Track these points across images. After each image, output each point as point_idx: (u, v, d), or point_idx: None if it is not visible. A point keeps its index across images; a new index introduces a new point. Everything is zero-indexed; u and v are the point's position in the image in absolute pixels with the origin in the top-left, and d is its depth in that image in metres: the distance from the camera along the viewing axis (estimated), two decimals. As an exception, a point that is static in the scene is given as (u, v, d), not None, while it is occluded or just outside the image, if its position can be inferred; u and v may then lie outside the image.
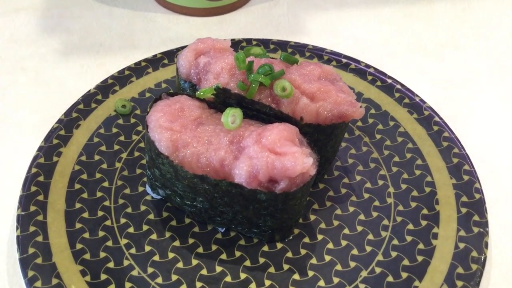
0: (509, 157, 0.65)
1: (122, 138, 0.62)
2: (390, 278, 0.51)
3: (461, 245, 0.52)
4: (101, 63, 0.77)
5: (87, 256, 0.52)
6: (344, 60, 0.70)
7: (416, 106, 0.65)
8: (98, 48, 0.80)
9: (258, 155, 0.47)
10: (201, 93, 0.53)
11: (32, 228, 0.53)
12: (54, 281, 0.49)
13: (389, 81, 0.67)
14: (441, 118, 0.63)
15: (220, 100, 0.52)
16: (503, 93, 0.74)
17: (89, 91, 0.66)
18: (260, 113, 0.52)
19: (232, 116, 0.49)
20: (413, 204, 0.57)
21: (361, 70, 0.69)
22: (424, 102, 0.65)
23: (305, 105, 0.52)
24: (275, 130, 0.48)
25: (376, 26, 0.85)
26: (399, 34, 0.84)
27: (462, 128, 0.66)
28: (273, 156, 0.46)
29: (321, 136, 0.53)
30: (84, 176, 0.58)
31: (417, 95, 0.66)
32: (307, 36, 0.82)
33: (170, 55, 0.70)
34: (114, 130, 0.63)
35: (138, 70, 0.68)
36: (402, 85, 0.67)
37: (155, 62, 0.70)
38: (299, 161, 0.46)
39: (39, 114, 0.70)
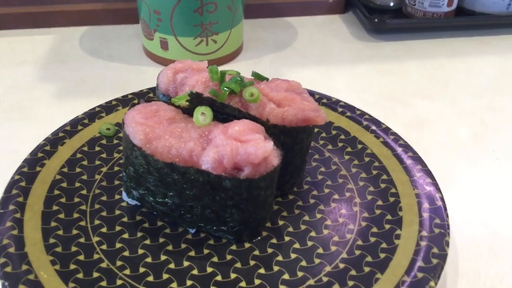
0: (468, 180, 0.69)
1: (104, 155, 0.66)
2: (353, 272, 0.52)
3: (423, 243, 0.54)
4: (93, 105, 0.83)
5: (59, 249, 0.54)
6: (317, 96, 0.75)
7: (382, 131, 0.69)
8: (91, 93, 0.86)
9: (224, 143, 0.50)
10: (176, 100, 0.57)
11: (8, 223, 0.55)
12: (24, 267, 0.50)
13: (358, 112, 0.72)
14: (405, 141, 0.67)
15: (194, 106, 0.57)
16: (464, 133, 0.79)
17: (77, 116, 0.70)
18: (229, 116, 0.56)
19: (202, 112, 0.53)
20: (378, 212, 0.59)
21: (332, 104, 0.74)
22: (390, 129, 0.69)
23: (272, 109, 0.56)
24: (241, 123, 0.52)
25: (351, 80, 0.91)
26: (372, 86, 0.90)
27: (428, 158, 0.70)
28: (237, 143, 0.50)
29: (287, 138, 0.56)
30: (64, 184, 0.61)
31: (383, 124, 0.70)
32: (286, 85, 0.88)
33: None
34: (97, 148, 0.67)
35: (124, 101, 0.74)
36: (369, 115, 0.71)
37: (141, 95, 0.75)
38: (260, 145, 0.49)
39: (31, 144, 0.74)
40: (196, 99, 0.56)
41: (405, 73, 0.94)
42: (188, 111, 0.57)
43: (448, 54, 1.00)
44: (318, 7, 1.12)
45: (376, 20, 1.02)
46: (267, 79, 0.62)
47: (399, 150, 0.66)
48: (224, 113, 0.56)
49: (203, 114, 0.54)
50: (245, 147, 0.49)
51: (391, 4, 1.08)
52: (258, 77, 0.61)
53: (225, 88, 0.56)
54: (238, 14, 0.91)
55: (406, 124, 0.80)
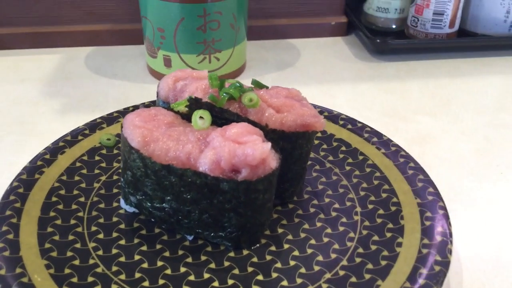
0: (471, 193, 0.68)
1: (103, 164, 0.66)
2: (353, 279, 0.51)
3: (424, 251, 0.52)
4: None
5: (54, 253, 0.53)
6: (318, 109, 0.75)
7: (384, 143, 0.68)
8: (94, 108, 0.87)
9: (221, 144, 0.50)
10: (176, 105, 0.57)
11: (4, 228, 0.54)
12: (18, 270, 0.50)
13: (359, 125, 0.72)
14: (407, 153, 0.66)
15: (193, 111, 0.56)
16: (467, 149, 0.78)
17: (78, 127, 0.70)
18: (228, 121, 0.55)
19: (200, 116, 0.53)
20: (379, 220, 0.58)
21: (333, 117, 0.74)
22: (391, 141, 0.68)
23: (271, 115, 0.56)
24: (239, 125, 0.51)
25: (353, 97, 0.91)
26: (374, 103, 0.90)
27: (431, 172, 0.69)
28: (235, 145, 0.50)
29: (286, 144, 0.56)
30: (62, 192, 0.61)
31: (384, 136, 0.70)
32: (288, 102, 0.88)
33: (157, 103, 0.76)
34: (97, 158, 0.67)
35: (125, 113, 0.73)
36: (371, 128, 0.71)
37: (142, 108, 0.75)
38: (258, 146, 0.49)
39: (31, 157, 0.74)
40: (195, 104, 0.56)
41: (407, 92, 0.94)
42: (187, 117, 0.57)
43: (450, 74, 1.00)
44: (320, 29, 1.14)
45: (378, 40, 1.03)
46: (266, 87, 0.62)
47: (401, 161, 0.65)
48: (223, 118, 0.56)
49: (201, 118, 0.54)
50: (243, 148, 0.49)
51: (394, 26, 1.09)
52: (258, 85, 0.61)
53: (224, 94, 0.56)
54: (241, 32, 0.92)
55: (408, 139, 0.79)
